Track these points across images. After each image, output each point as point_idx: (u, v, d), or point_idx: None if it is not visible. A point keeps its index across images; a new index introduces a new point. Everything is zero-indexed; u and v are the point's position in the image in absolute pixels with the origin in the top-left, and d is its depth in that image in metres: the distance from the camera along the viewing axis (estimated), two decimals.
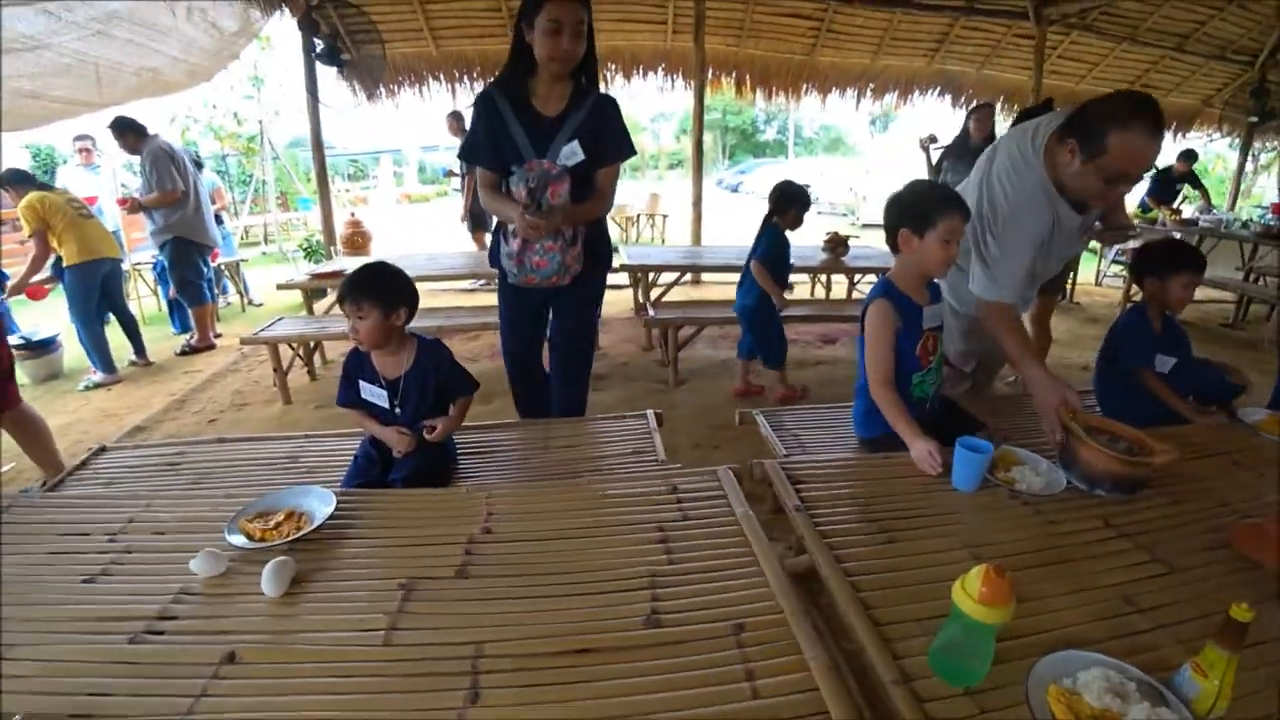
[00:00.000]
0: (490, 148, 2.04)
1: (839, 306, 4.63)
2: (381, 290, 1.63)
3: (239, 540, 1.22)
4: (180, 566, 1.21)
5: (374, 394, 1.70)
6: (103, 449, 2.08)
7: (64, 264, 4.16)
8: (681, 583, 1.17)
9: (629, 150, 2.11)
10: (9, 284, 4.27)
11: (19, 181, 4.18)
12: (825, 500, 1.44)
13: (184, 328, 5.40)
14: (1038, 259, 1.92)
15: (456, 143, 6.26)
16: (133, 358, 4.70)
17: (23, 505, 1.53)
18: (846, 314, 4.07)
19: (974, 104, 5.54)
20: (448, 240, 7.82)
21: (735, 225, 12.67)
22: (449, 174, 8.17)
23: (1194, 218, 6.31)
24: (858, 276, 5.54)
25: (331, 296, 5.07)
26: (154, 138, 4.65)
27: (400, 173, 20.66)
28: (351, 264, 4.88)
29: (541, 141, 1.99)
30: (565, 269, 2.05)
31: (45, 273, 4.39)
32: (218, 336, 5.21)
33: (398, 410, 1.70)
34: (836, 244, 4.75)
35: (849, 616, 1.08)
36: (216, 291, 5.89)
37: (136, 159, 4.82)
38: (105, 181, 6.85)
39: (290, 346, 3.81)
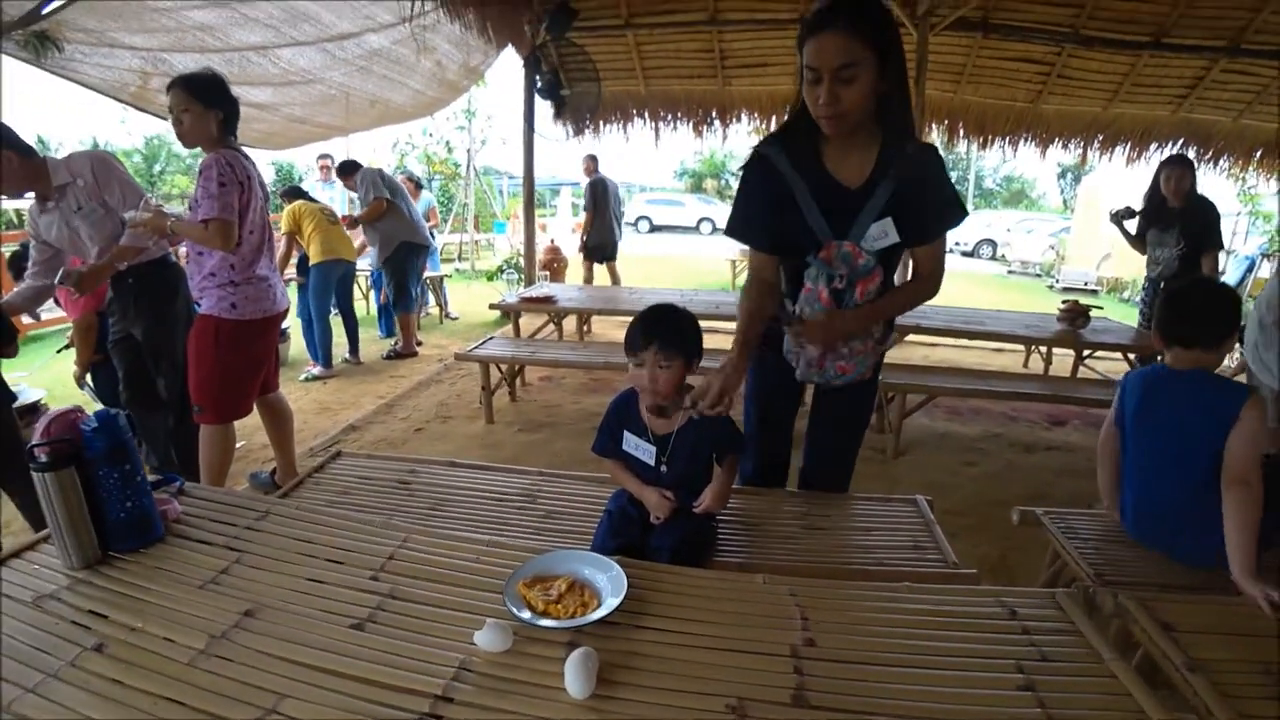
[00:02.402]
0: (770, 226, 1.57)
1: (1064, 385, 3.97)
2: (688, 339, 1.45)
3: (527, 615, 1.05)
4: (454, 629, 1.06)
5: (639, 448, 1.51)
6: (338, 454, 2.09)
7: (310, 262, 4.82)
8: None
9: (960, 214, 1.57)
10: None
11: (292, 195, 5.09)
12: (1225, 662, 1.09)
13: (389, 332, 5.87)
14: None
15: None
16: (347, 355, 5.14)
17: (279, 512, 1.49)
18: (1076, 394, 3.48)
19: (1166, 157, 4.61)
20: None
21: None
22: None
23: None
24: (1087, 353, 4.77)
25: (530, 320, 5.18)
26: (361, 168, 5.29)
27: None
28: (560, 291, 4.99)
29: (841, 217, 1.52)
30: (868, 367, 1.63)
31: (290, 270, 5.00)
32: (419, 344, 5.56)
33: (663, 469, 1.50)
34: (1076, 315, 4.11)
35: None
36: (419, 303, 6.33)
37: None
38: (338, 194, 7.66)
39: (498, 368, 3.86)
